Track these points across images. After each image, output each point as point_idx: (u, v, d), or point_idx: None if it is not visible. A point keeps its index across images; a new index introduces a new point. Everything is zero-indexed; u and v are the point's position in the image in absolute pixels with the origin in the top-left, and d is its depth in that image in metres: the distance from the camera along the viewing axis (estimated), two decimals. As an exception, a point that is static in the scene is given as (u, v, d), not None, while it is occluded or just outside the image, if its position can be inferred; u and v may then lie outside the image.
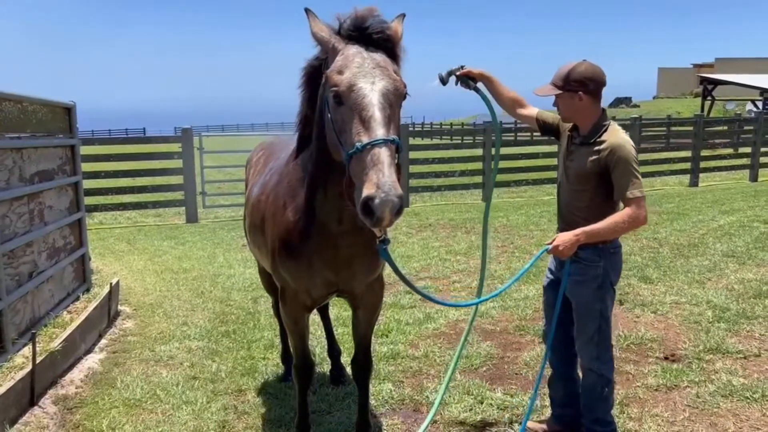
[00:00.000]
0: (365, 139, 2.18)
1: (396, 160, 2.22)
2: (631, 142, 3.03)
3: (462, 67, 3.27)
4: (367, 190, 2.09)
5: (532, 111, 3.46)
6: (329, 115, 2.42)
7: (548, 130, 3.41)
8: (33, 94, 5.24)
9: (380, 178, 2.08)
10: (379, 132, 2.18)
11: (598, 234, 3.01)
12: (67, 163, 5.87)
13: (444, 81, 3.26)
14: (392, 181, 2.10)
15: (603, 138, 3.04)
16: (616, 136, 3.03)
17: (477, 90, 3.31)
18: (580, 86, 3.03)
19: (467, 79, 3.28)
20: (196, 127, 16.01)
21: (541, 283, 6.59)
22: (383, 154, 2.13)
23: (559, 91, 3.08)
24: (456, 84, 3.27)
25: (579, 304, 3.21)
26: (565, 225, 3.22)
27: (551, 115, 3.42)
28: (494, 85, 3.39)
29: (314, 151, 2.75)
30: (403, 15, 2.65)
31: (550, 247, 3.11)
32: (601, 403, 3.26)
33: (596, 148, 3.04)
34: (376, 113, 2.22)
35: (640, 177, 2.98)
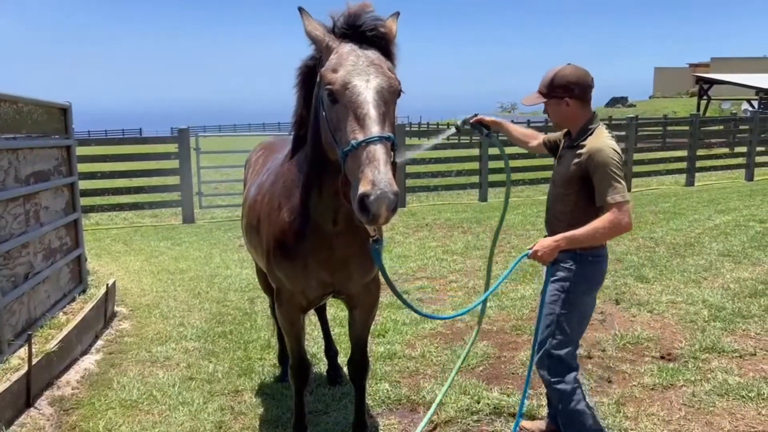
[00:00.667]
0: (360, 137, 2.19)
1: (392, 158, 2.22)
2: (613, 146, 2.95)
3: (475, 115, 3.51)
4: (363, 187, 2.09)
5: (540, 139, 3.51)
6: (324, 114, 2.42)
7: (554, 148, 3.39)
8: (28, 94, 5.22)
9: (376, 175, 2.08)
10: (375, 129, 2.18)
11: (578, 240, 2.93)
12: (63, 163, 5.86)
13: (459, 129, 3.54)
14: (388, 178, 2.09)
15: (585, 141, 3.00)
16: (597, 139, 2.97)
17: (489, 136, 3.52)
18: (566, 92, 2.99)
19: (481, 126, 3.49)
20: (193, 128, 15.98)
21: (541, 281, 6.61)
22: (379, 151, 2.13)
23: (545, 99, 3.06)
24: (474, 131, 3.54)
25: (543, 304, 3.16)
26: (550, 230, 3.19)
27: (555, 134, 3.41)
28: (505, 128, 3.56)
29: (309, 151, 2.75)
30: (398, 13, 2.64)
31: (530, 252, 3.06)
32: (575, 419, 3.08)
33: (578, 151, 3.00)
34: (371, 111, 2.22)
35: (621, 181, 2.88)
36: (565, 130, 3.23)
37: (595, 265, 3.08)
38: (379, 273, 3.25)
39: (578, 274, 3.04)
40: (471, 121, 3.48)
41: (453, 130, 3.60)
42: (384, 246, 3.37)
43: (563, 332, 3.09)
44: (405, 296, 2.93)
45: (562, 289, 3.06)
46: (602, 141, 2.95)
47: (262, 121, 71.75)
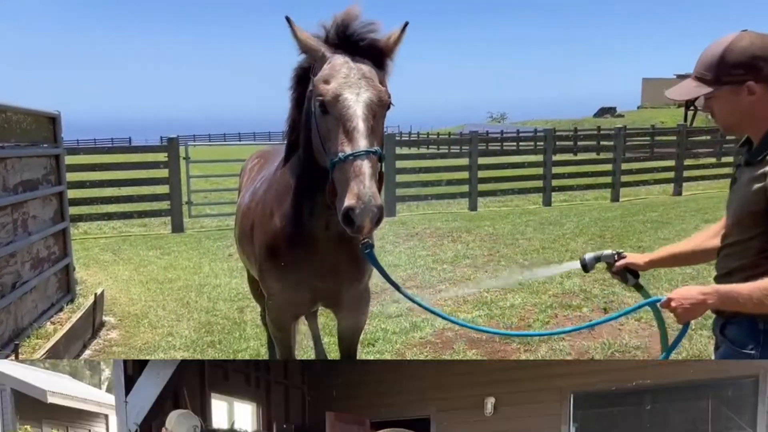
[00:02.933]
0: (348, 150, 2.23)
1: (378, 169, 2.26)
2: None
3: (619, 255, 2.47)
4: (349, 201, 2.15)
5: (721, 222, 2.27)
6: (315, 122, 2.45)
7: None
8: (17, 102, 5.22)
9: (361, 189, 2.14)
10: (362, 143, 2.22)
11: (734, 300, 1.91)
12: (52, 172, 5.85)
13: (587, 268, 2.56)
14: (372, 193, 2.15)
15: None
16: None
17: (639, 286, 2.51)
18: (748, 71, 1.91)
19: (626, 273, 2.47)
20: (182, 137, 15.95)
21: (530, 290, 6.64)
22: (365, 165, 2.18)
23: (710, 89, 1.99)
24: (612, 273, 2.53)
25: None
26: (715, 280, 2.14)
27: None
28: (668, 256, 2.47)
29: (301, 154, 2.75)
30: (406, 23, 2.58)
31: (663, 299, 2.10)
32: None
33: (760, 170, 1.92)
34: (360, 125, 2.26)
35: None
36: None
37: None
38: (372, 280, 3.27)
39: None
40: (617, 265, 2.44)
41: (577, 265, 2.60)
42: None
43: None
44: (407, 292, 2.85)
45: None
46: None
47: (252, 131, 71.69)
